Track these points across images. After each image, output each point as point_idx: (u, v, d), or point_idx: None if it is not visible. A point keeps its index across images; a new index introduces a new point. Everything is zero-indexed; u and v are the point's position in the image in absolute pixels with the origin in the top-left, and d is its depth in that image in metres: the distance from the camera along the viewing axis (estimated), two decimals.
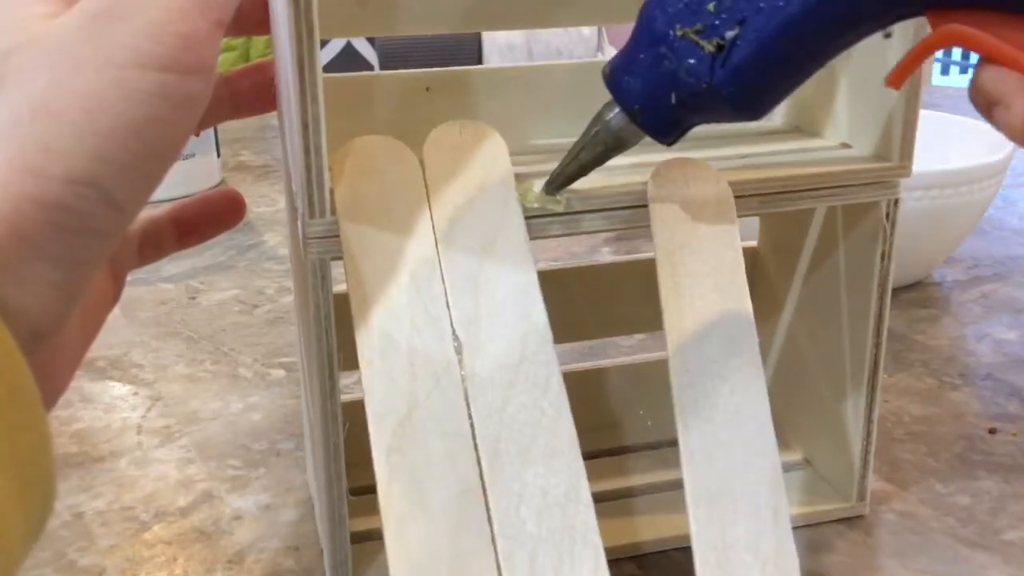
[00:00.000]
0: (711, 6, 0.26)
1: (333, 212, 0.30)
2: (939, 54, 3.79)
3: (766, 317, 0.42)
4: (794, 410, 0.42)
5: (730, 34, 0.26)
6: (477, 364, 0.28)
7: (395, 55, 1.34)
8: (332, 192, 0.30)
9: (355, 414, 0.32)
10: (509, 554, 0.26)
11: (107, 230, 0.22)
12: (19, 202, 0.20)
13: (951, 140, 0.65)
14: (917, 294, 0.61)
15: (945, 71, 4.00)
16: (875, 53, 0.35)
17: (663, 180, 0.33)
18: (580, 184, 0.32)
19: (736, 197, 0.33)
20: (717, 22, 0.26)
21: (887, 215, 0.36)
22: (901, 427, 0.46)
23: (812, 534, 0.38)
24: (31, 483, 0.20)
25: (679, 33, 0.27)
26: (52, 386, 0.26)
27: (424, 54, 1.31)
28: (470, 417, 0.28)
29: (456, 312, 0.29)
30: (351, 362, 0.30)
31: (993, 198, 0.59)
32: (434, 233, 0.30)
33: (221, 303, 0.61)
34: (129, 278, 0.36)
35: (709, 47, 0.26)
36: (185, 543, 0.38)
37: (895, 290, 0.60)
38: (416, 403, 0.28)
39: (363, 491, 0.35)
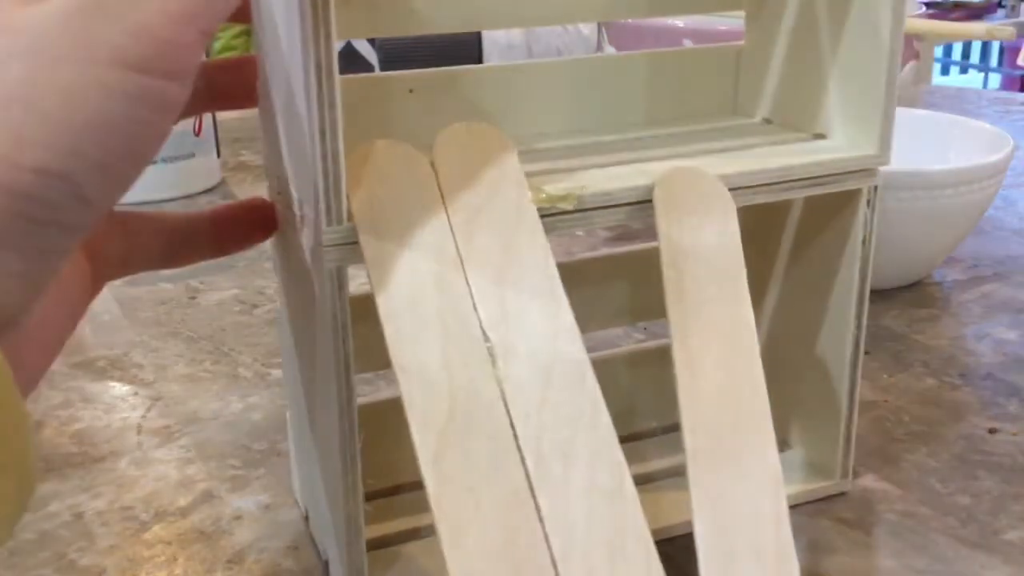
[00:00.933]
0: None
1: (349, 219, 0.30)
2: (939, 54, 3.80)
3: (757, 304, 0.43)
4: (777, 392, 0.41)
5: None
6: (511, 364, 0.28)
7: (396, 55, 1.34)
8: (348, 199, 0.30)
9: (363, 419, 0.32)
10: (563, 554, 0.26)
11: (74, 224, 0.22)
12: None
13: (951, 140, 0.65)
14: (917, 294, 0.61)
15: (945, 71, 4.00)
16: (856, 45, 0.36)
17: (668, 188, 0.33)
18: (589, 181, 0.33)
19: None
20: None
21: (868, 202, 0.37)
22: (901, 427, 0.46)
23: (812, 534, 0.38)
24: (5, 465, 0.20)
25: None
26: (22, 375, 0.26)
27: (425, 54, 1.31)
28: (509, 418, 0.28)
29: (484, 314, 0.29)
30: (361, 365, 0.30)
31: (993, 198, 0.59)
32: (453, 235, 0.30)
33: (221, 303, 0.61)
34: (129, 278, 0.35)
35: None
36: (185, 543, 0.38)
37: (895, 290, 0.61)
38: (456, 408, 0.27)
39: (368, 497, 0.34)
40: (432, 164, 0.32)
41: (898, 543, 0.38)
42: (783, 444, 0.42)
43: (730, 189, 0.34)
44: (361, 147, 0.31)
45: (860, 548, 0.38)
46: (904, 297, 0.60)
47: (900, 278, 0.61)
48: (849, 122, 0.37)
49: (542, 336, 0.29)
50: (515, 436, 0.27)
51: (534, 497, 0.27)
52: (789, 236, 0.41)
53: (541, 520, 0.26)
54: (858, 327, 0.38)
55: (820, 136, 0.38)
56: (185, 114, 0.28)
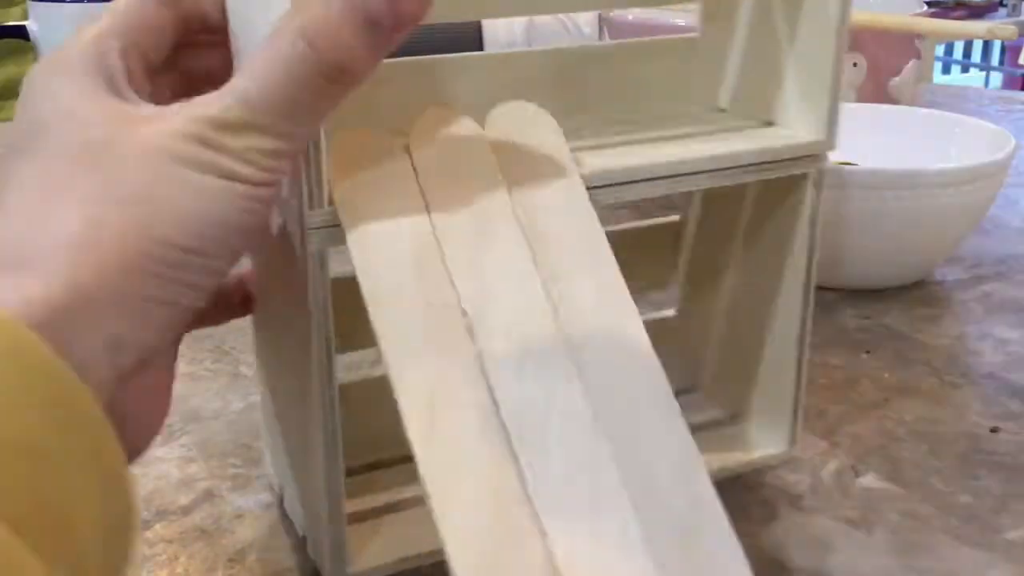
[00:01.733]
0: None
1: (330, 203, 0.31)
2: (940, 52, 3.79)
3: (707, 285, 0.46)
4: (734, 370, 0.45)
5: None
6: (489, 338, 0.30)
7: (395, 53, 1.34)
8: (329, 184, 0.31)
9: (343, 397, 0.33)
10: (547, 511, 0.27)
11: (205, 286, 0.27)
12: (139, 258, 0.26)
13: (952, 139, 0.65)
14: (919, 293, 0.61)
15: (946, 70, 4.00)
16: (804, 36, 0.38)
17: (499, 125, 0.35)
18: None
19: (674, 176, 0.36)
20: None
21: (815, 184, 0.39)
22: (903, 426, 0.46)
23: (814, 533, 0.38)
24: (120, 527, 0.24)
25: None
26: (154, 411, 0.32)
27: (424, 49, 1.31)
28: (489, 388, 0.29)
29: (462, 290, 0.30)
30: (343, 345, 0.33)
31: (995, 197, 0.59)
32: (429, 216, 0.32)
33: None
34: None
35: None
36: (186, 542, 0.38)
37: (896, 289, 0.61)
38: (440, 380, 0.29)
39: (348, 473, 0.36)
40: (407, 149, 0.33)
41: (900, 542, 0.38)
42: (739, 417, 0.44)
43: (681, 175, 0.36)
44: (338, 134, 0.33)
45: (862, 547, 0.38)
46: (906, 296, 0.60)
47: (901, 277, 0.61)
48: (798, 110, 0.39)
49: (517, 311, 0.30)
50: (495, 403, 0.29)
51: (515, 460, 0.28)
52: (744, 220, 0.43)
53: (522, 482, 0.27)
54: (805, 304, 0.40)
55: (769, 123, 0.40)
56: (214, 321, 0.36)
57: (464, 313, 0.30)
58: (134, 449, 0.30)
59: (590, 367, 0.30)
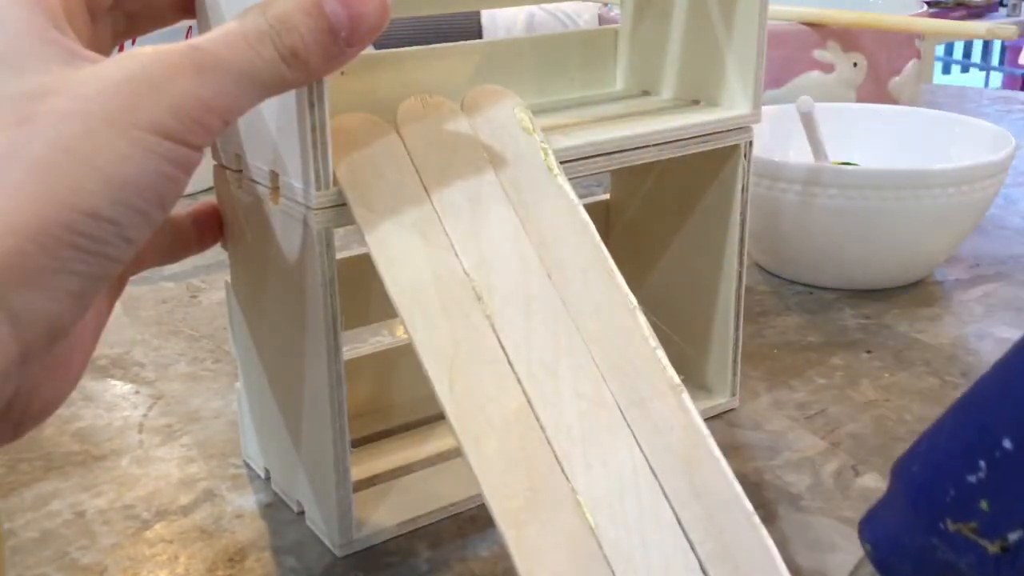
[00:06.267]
0: (984, 504, 0.24)
1: (334, 184, 0.33)
2: (940, 52, 3.78)
3: (639, 258, 0.50)
4: (678, 331, 0.48)
5: (1014, 536, 0.24)
6: (496, 301, 0.33)
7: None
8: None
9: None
10: (565, 454, 0.30)
11: (119, 256, 0.26)
12: (52, 227, 0.24)
13: (952, 139, 0.65)
14: (919, 293, 0.61)
15: (947, 70, 4.00)
16: (730, 20, 0.42)
17: (475, 104, 0.38)
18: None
19: (634, 149, 0.40)
20: (996, 521, 0.24)
21: (744, 155, 0.43)
22: (903, 426, 0.46)
23: (813, 533, 0.38)
24: None
25: (952, 528, 0.25)
26: (66, 378, 0.30)
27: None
28: (502, 347, 0.32)
29: (466, 260, 0.33)
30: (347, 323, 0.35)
31: (995, 197, 0.59)
32: (427, 194, 0.34)
33: (222, 302, 0.61)
34: (131, 277, 0.36)
35: (992, 548, 0.24)
36: (187, 542, 0.38)
37: (896, 289, 0.61)
38: (458, 341, 0.32)
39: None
40: (397, 132, 0.36)
41: None
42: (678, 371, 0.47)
43: (636, 148, 0.40)
44: (335, 119, 0.34)
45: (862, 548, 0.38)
46: (905, 296, 0.60)
47: (901, 277, 0.61)
48: (728, 89, 0.43)
49: (517, 275, 0.33)
50: (509, 361, 0.32)
51: (533, 410, 0.31)
52: (681, 192, 0.47)
53: (542, 428, 0.31)
54: (740, 263, 0.45)
55: (695, 102, 0.45)
56: (174, 258, 0.37)
57: (470, 279, 0.33)
58: (29, 417, 0.28)
59: (585, 320, 0.33)
